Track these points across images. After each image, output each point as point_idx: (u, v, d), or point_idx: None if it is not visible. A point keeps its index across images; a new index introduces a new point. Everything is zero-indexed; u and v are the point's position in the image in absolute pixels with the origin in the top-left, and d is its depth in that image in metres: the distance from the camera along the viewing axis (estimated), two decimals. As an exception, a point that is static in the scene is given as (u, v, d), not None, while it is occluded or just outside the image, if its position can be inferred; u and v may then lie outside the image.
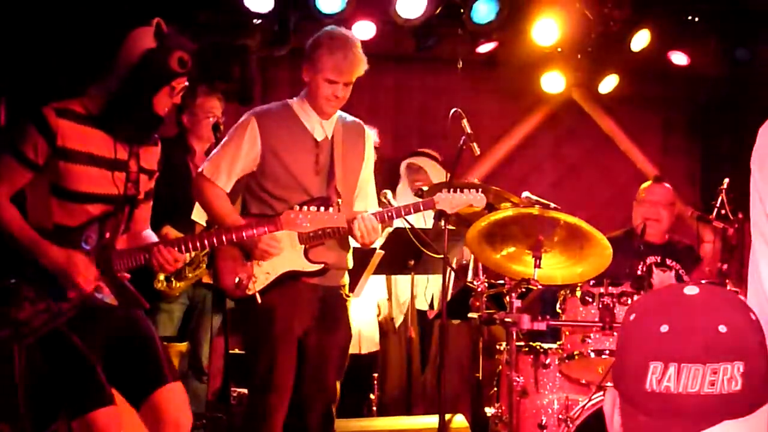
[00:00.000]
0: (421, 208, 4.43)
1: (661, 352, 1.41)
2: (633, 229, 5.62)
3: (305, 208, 3.94)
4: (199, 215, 5.31)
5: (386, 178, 6.39)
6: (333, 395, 4.48)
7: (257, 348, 4.35)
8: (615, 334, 4.49)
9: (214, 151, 4.44)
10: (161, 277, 5.42)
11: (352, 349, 5.68)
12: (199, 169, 4.43)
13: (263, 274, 4.31)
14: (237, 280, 4.28)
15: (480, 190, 4.43)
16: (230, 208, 4.38)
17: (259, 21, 6.47)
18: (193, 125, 5.65)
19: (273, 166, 4.34)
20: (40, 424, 3.62)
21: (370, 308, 6.36)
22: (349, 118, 4.55)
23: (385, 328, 6.44)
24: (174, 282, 5.45)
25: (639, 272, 4.91)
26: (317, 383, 4.43)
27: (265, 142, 4.33)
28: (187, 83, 3.69)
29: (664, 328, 1.41)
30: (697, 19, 6.95)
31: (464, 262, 5.92)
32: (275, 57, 6.79)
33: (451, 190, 4.37)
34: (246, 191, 4.42)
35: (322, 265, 4.35)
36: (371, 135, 4.63)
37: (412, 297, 5.94)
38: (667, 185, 5.78)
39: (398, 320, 6.39)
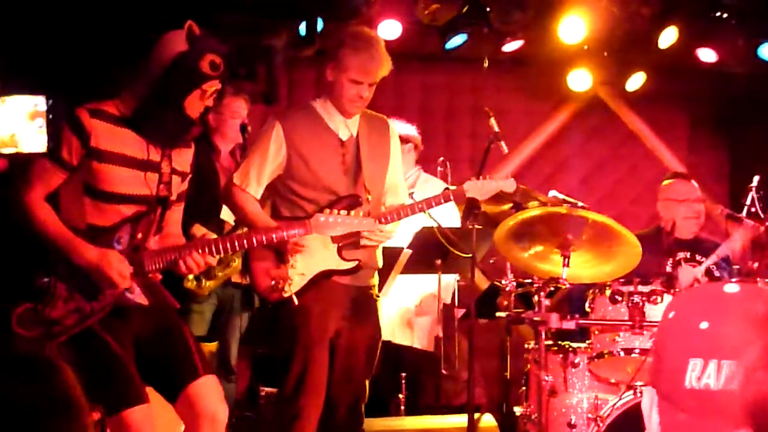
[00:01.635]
0: (451, 198, 4.43)
1: (701, 349, 1.40)
2: (661, 227, 5.59)
3: (335, 211, 3.93)
4: (228, 214, 5.34)
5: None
6: (362, 394, 4.49)
7: (292, 349, 4.35)
8: (644, 333, 4.48)
9: (243, 158, 4.46)
10: (191, 276, 5.44)
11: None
12: (229, 178, 4.45)
13: (298, 275, 4.31)
14: (272, 282, 4.29)
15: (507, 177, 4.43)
16: (261, 211, 4.40)
17: (285, 21, 6.48)
18: (219, 125, 5.67)
19: (300, 169, 4.35)
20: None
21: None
22: (373, 114, 4.55)
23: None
24: (204, 281, 5.48)
25: (669, 269, 4.87)
26: (347, 382, 4.44)
27: (290, 145, 4.34)
28: (219, 86, 3.70)
29: (704, 325, 1.41)
30: (725, 15, 6.90)
31: (491, 261, 5.92)
32: (301, 58, 6.80)
33: (480, 177, 4.37)
34: (275, 194, 4.43)
35: (356, 263, 4.36)
36: (396, 129, 4.62)
37: (440, 296, 5.93)
38: (693, 181, 5.76)
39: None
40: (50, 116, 3.73)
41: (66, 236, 3.58)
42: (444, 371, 5.96)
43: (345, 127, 4.42)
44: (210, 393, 3.70)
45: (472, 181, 4.38)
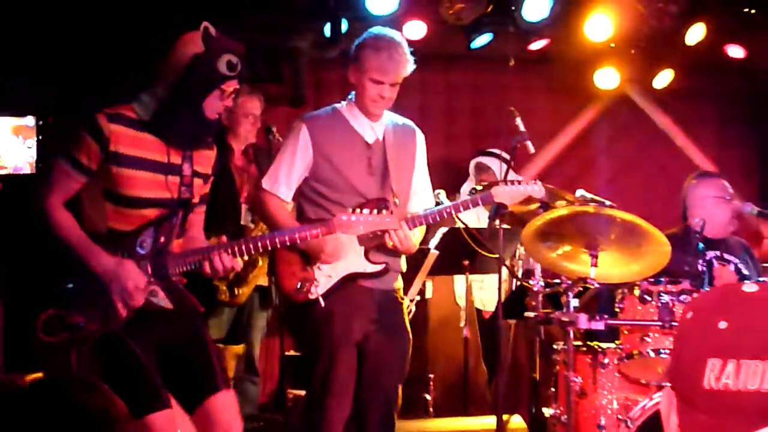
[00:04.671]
0: (479, 202, 4.42)
1: (720, 349, 1.40)
2: (690, 226, 5.56)
3: (358, 210, 3.92)
4: (246, 219, 5.38)
5: (438, 180, 6.40)
6: (394, 400, 4.49)
7: (316, 351, 4.35)
8: (674, 332, 4.46)
9: (273, 163, 4.47)
10: (224, 288, 5.47)
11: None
12: (260, 184, 4.46)
13: (324, 277, 4.32)
14: (299, 284, 4.30)
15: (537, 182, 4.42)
16: (290, 217, 4.42)
17: (311, 23, 6.50)
18: (232, 124, 5.69)
19: (326, 171, 4.36)
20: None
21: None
22: (399, 119, 4.56)
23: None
24: (236, 290, 5.51)
25: (700, 268, 4.85)
26: (377, 388, 4.43)
27: (316, 147, 4.36)
28: (237, 86, 3.71)
29: (723, 325, 1.41)
30: (753, 11, 6.87)
31: (520, 261, 5.92)
32: (327, 59, 6.83)
33: (509, 182, 4.38)
34: (301, 197, 4.44)
35: (384, 266, 4.36)
36: (422, 135, 4.64)
37: (468, 296, 5.95)
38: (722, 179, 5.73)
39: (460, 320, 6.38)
40: (40, 137, 3.72)
41: (84, 242, 3.60)
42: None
43: (371, 130, 4.44)
44: (227, 408, 3.73)
45: (500, 186, 4.38)
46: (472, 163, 6.66)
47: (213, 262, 3.70)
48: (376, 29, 4.42)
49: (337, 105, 4.49)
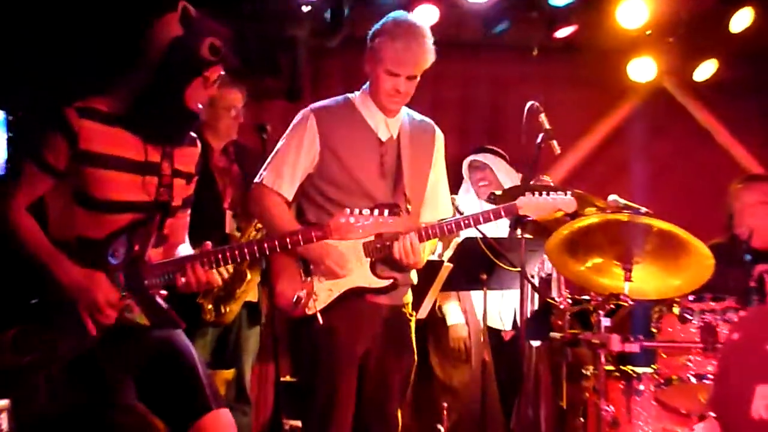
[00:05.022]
0: (502, 214, 4.41)
1: (771, 375, 1.41)
2: (737, 235, 5.57)
3: (356, 211, 3.87)
4: (232, 228, 5.37)
5: (451, 182, 6.40)
6: (395, 424, 4.49)
7: (316, 375, 4.35)
8: (719, 356, 4.45)
9: (272, 155, 4.45)
10: (209, 306, 5.46)
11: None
12: (257, 179, 4.44)
13: (325, 291, 4.32)
14: (296, 297, 4.29)
15: (566, 193, 4.42)
16: (290, 218, 4.40)
17: (309, 8, 6.52)
18: (210, 119, 5.63)
19: (332, 168, 4.36)
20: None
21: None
22: (418, 116, 4.57)
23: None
24: (223, 307, 5.49)
25: (748, 283, 4.85)
26: (377, 411, 4.44)
27: (323, 140, 4.36)
28: (222, 72, 3.70)
29: (774, 348, 1.42)
30: (808, -7, 6.88)
31: (543, 274, 5.92)
32: (327, 48, 6.84)
33: (536, 192, 4.37)
34: (302, 196, 4.43)
35: (391, 281, 4.36)
36: (441, 134, 4.64)
37: (485, 315, 5.94)
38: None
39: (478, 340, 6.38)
40: (10, 134, 3.72)
41: (48, 251, 3.59)
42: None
43: (385, 127, 4.44)
44: (222, 429, 3.70)
45: (526, 197, 4.37)
46: (465, 163, 6.65)
47: (185, 274, 3.68)
48: (397, 14, 4.43)
49: (350, 95, 4.50)
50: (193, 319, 5.38)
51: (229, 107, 5.68)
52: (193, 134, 3.89)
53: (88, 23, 5.89)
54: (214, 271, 3.75)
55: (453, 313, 6.28)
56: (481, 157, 6.58)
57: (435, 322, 6.27)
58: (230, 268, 3.75)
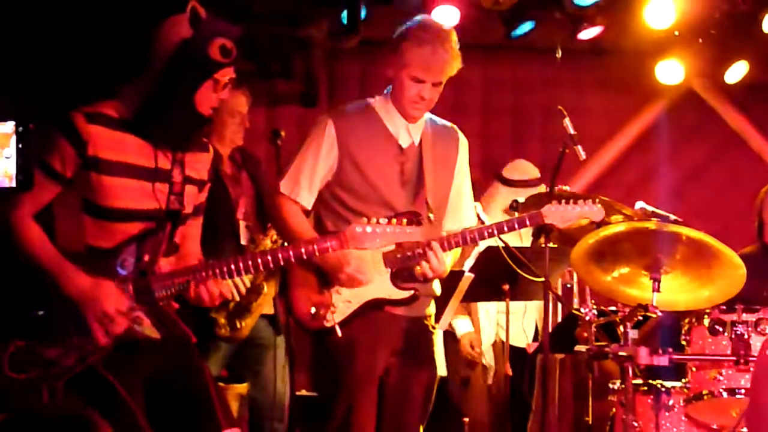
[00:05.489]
0: (527, 222, 4.40)
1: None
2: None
3: (373, 220, 3.85)
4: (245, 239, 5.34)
5: (475, 188, 6.36)
6: None
7: (335, 389, 4.34)
8: (751, 369, 4.43)
9: (289, 163, 4.44)
10: (222, 320, 5.43)
11: None
12: (277, 187, 4.42)
13: (344, 302, 4.30)
14: (313, 309, 4.28)
15: (594, 201, 4.39)
16: (308, 227, 4.39)
17: (325, 9, 6.51)
18: (216, 125, 5.61)
19: (351, 176, 4.35)
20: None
21: None
22: (440, 121, 4.56)
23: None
24: (238, 322, 5.46)
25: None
26: (398, 428, 4.43)
27: (342, 147, 4.34)
28: (233, 75, 3.68)
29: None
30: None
31: (568, 285, 5.88)
32: (343, 50, 6.83)
33: (562, 201, 4.34)
34: (320, 204, 4.42)
35: (412, 292, 4.34)
36: (465, 140, 4.61)
37: (507, 327, 5.90)
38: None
39: (487, 355, 6.34)
40: (20, 145, 3.70)
41: (55, 260, 3.58)
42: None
43: (407, 133, 4.42)
44: None
45: (552, 205, 4.35)
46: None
47: (197, 287, 3.67)
48: (423, 18, 4.43)
49: (370, 99, 4.49)
50: (207, 332, 5.36)
51: (233, 112, 5.65)
52: (204, 140, 3.88)
53: (96, 26, 5.88)
54: (231, 284, 3.71)
55: (461, 325, 6.25)
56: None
57: (445, 341, 6.23)
58: (247, 281, 3.72)
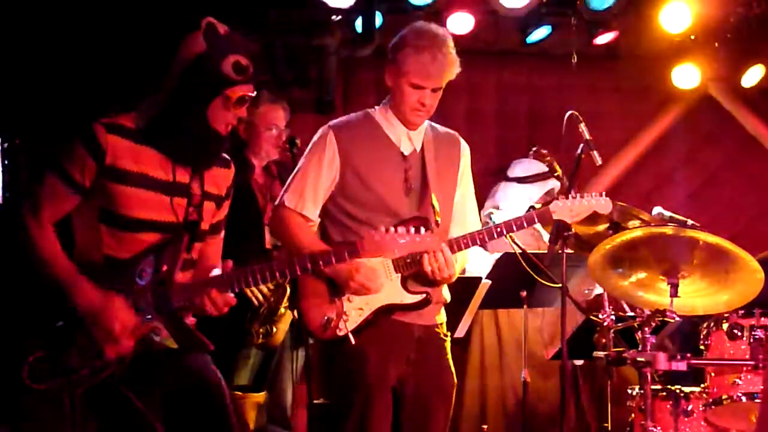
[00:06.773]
0: (535, 220, 4.40)
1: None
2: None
3: (392, 229, 3.85)
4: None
5: (488, 195, 6.39)
6: None
7: (347, 398, 4.33)
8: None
9: (292, 176, 4.45)
10: (260, 329, 5.42)
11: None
12: (278, 200, 4.44)
13: (355, 310, 4.30)
14: (325, 319, 4.28)
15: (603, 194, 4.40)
16: (316, 239, 4.38)
17: (339, 18, 6.54)
18: (252, 137, 5.64)
19: (354, 186, 4.35)
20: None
21: None
22: (441, 128, 4.55)
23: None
24: (272, 328, 5.46)
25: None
26: None
27: (344, 157, 4.35)
28: (251, 92, 3.69)
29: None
30: None
31: (586, 291, 5.90)
32: (358, 58, 6.85)
33: (569, 196, 4.35)
34: (325, 215, 4.42)
35: (424, 296, 4.33)
36: (467, 146, 4.63)
37: (526, 333, 5.92)
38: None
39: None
40: (6, 161, 3.70)
41: (69, 273, 3.60)
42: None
43: (408, 141, 4.42)
44: None
45: (560, 200, 4.36)
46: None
47: (202, 300, 3.67)
48: (418, 24, 4.41)
49: (371, 110, 4.49)
50: (237, 344, 5.39)
51: (270, 126, 5.66)
52: (225, 156, 3.88)
53: (123, 38, 5.92)
54: (249, 293, 3.73)
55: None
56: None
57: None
58: (265, 289, 3.70)
